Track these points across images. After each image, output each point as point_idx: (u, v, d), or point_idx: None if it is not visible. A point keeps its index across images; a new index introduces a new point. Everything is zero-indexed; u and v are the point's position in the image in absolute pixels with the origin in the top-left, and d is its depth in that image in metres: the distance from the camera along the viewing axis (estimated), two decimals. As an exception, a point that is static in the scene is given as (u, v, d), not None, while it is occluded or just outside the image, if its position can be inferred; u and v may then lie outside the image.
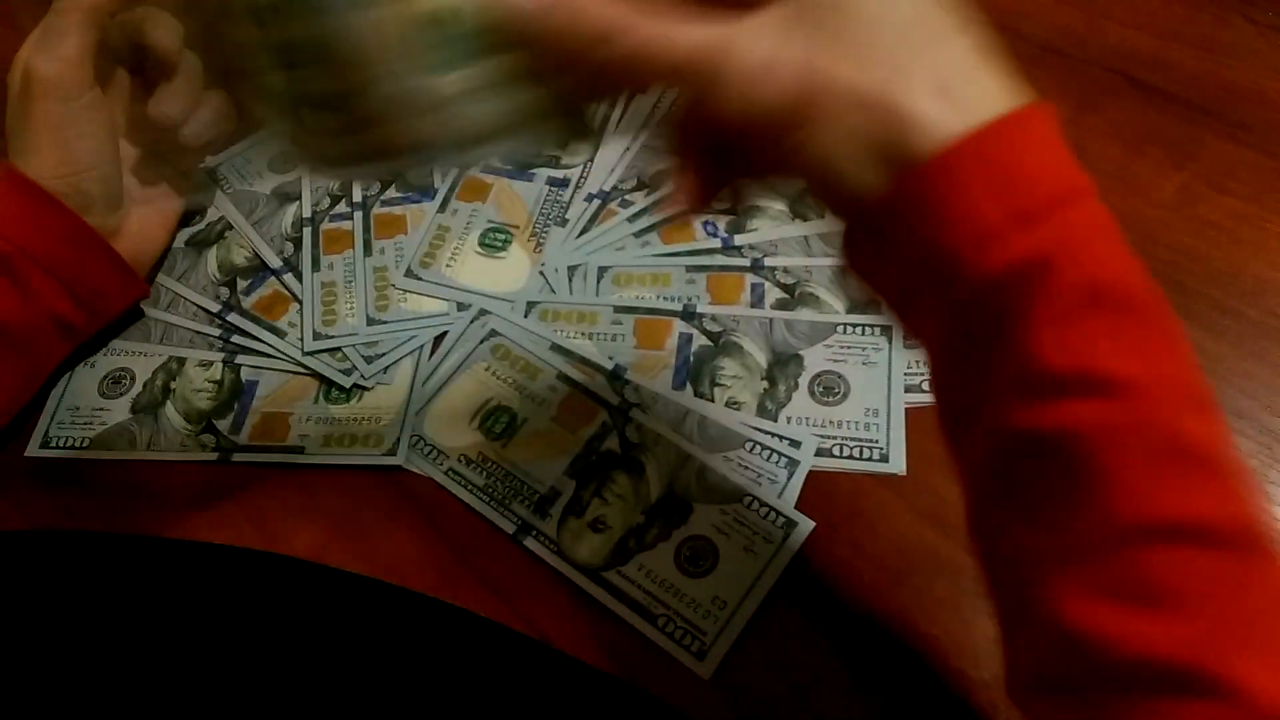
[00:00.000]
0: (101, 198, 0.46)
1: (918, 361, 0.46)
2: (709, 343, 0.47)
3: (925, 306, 0.27)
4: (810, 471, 0.43)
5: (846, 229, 0.28)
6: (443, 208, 0.54)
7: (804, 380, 0.46)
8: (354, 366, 0.48)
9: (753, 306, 0.48)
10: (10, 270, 0.43)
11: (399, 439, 0.45)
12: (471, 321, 0.49)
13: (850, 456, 0.43)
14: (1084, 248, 0.25)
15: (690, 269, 0.50)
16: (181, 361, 0.49)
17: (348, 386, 0.47)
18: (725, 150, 0.29)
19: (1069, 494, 0.25)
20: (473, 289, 0.50)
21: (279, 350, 0.49)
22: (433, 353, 0.48)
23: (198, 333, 0.50)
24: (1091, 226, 0.25)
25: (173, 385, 0.48)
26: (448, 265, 0.51)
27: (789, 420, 0.44)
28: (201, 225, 0.54)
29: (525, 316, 0.49)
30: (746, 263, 0.50)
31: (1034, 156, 0.25)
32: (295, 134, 0.28)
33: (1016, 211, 0.24)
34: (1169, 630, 0.23)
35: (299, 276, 0.51)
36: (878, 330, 0.47)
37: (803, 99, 0.26)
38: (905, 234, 0.26)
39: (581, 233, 0.52)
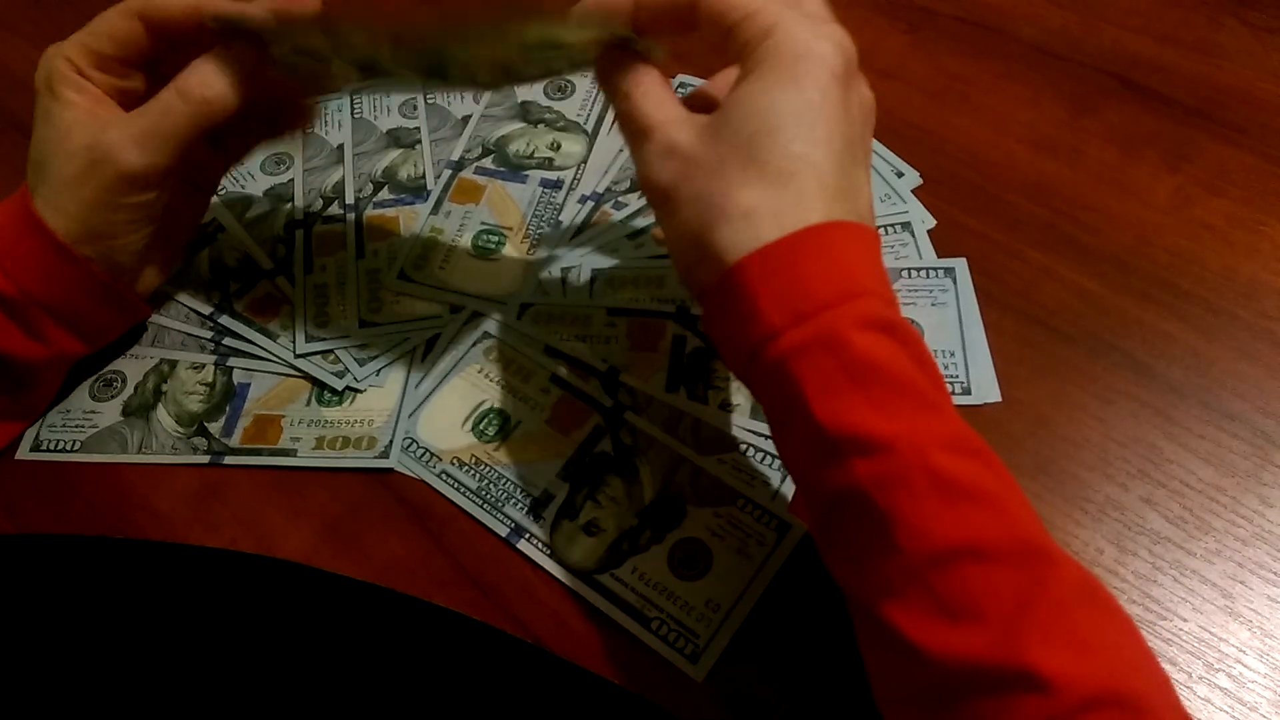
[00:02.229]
0: (128, 266, 0.44)
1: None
2: (703, 345, 0.47)
3: (751, 383, 0.34)
4: (804, 474, 0.43)
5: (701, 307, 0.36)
6: (436, 210, 0.53)
7: (798, 382, 0.45)
8: (346, 369, 0.48)
9: (747, 308, 0.48)
10: (20, 316, 0.42)
11: (391, 441, 0.45)
12: (464, 324, 0.49)
13: (844, 459, 0.43)
14: (841, 337, 0.31)
15: (684, 271, 0.50)
16: (173, 364, 0.49)
17: (340, 389, 0.47)
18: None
19: (869, 539, 0.30)
20: (466, 291, 0.50)
21: (271, 352, 0.49)
22: (425, 355, 0.48)
23: (189, 335, 0.50)
24: (851, 321, 0.31)
25: (164, 388, 0.48)
26: (440, 267, 0.51)
27: (783, 423, 0.44)
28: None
29: (518, 319, 0.49)
30: (740, 265, 0.50)
31: (810, 267, 0.32)
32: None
33: (790, 312, 0.31)
34: (974, 636, 0.28)
35: (291, 278, 0.51)
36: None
37: (671, 187, 0.35)
38: (719, 323, 0.34)
39: (575, 235, 0.52)
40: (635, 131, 0.36)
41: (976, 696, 0.28)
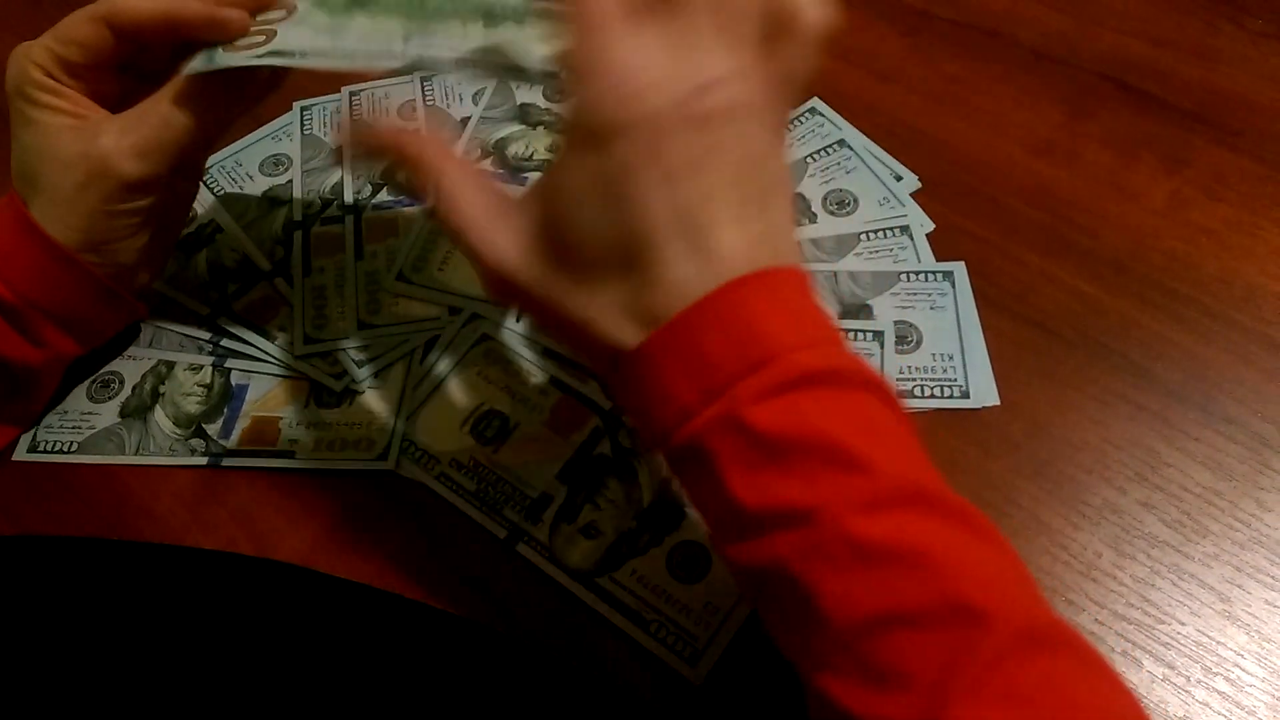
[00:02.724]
0: (130, 266, 0.44)
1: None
2: (702, 347, 0.47)
3: (670, 463, 0.32)
4: (803, 477, 0.43)
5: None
6: (435, 211, 0.53)
7: (797, 385, 0.45)
8: (345, 370, 0.48)
9: (745, 311, 0.48)
10: (19, 321, 0.42)
11: (390, 443, 0.45)
12: (463, 325, 0.49)
13: (843, 462, 0.43)
14: (745, 417, 0.28)
15: (683, 273, 0.50)
16: (171, 365, 0.49)
17: (339, 390, 0.47)
18: None
19: (799, 612, 0.29)
20: (465, 293, 0.50)
21: (269, 354, 0.49)
22: (424, 357, 0.48)
23: (187, 336, 0.50)
24: (753, 395, 0.29)
25: (162, 389, 0.48)
26: (439, 269, 0.51)
27: (781, 425, 0.44)
28: (191, 228, 0.54)
29: (518, 321, 0.49)
30: (739, 267, 0.50)
31: (711, 341, 0.29)
32: None
33: (700, 390, 0.29)
34: (902, 702, 0.26)
35: (290, 280, 0.51)
36: (869, 335, 0.47)
37: (530, 313, 0.34)
38: (628, 402, 0.32)
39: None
40: (465, 239, 0.33)
41: None
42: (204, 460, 0.46)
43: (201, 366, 0.49)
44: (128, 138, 0.40)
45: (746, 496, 0.29)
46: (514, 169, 0.55)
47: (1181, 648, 0.38)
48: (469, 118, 0.58)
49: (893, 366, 0.46)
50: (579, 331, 0.31)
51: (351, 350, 0.48)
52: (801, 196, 0.53)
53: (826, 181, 0.53)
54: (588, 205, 0.30)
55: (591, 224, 0.30)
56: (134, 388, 0.48)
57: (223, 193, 0.56)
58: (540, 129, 0.57)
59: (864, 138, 0.55)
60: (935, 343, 0.46)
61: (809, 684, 0.29)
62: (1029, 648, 0.27)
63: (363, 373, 0.47)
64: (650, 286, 0.30)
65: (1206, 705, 0.37)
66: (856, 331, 0.47)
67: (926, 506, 0.29)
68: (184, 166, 0.44)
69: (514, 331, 0.48)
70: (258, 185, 0.56)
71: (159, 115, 0.41)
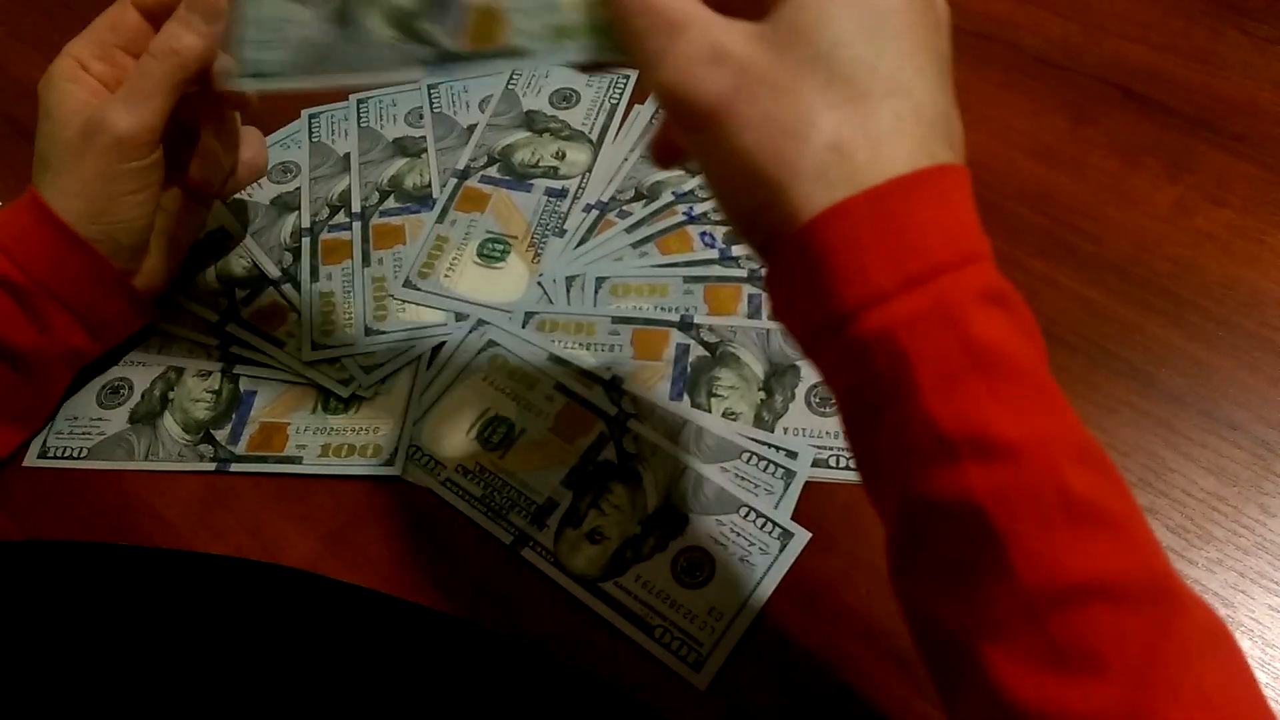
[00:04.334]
0: (131, 247, 0.45)
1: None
2: (706, 353, 0.47)
3: (827, 357, 0.28)
4: (807, 482, 0.43)
5: (763, 259, 0.29)
6: (441, 218, 0.54)
7: (800, 391, 0.46)
8: (352, 377, 0.48)
9: (750, 317, 0.48)
10: (29, 304, 0.43)
11: (396, 449, 0.45)
12: (469, 332, 0.49)
13: (847, 467, 0.43)
14: (964, 312, 0.25)
15: (688, 280, 0.50)
16: (180, 371, 0.49)
17: (346, 397, 0.47)
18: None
19: (976, 563, 0.25)
20: (471, 299, 0.50)
21: (277, 360, 0.49)
22: (431, 363, 0.48)
23: (196, 343, 0.50)
24: (973, 291, 0.26)
25: (171, 395, 0.48)
26: (446, 276, 0.51)
27: (785, 431, 0.44)
28: (200, 235, 0.54)
29: (523, 327, 0.49)
30: (744, 274, 0.50)
31: (924, 219, 0.26)
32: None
33: (901, 273, 0.25)
34: (1094, 692, 0.23)
35: (297, 287, 0.52)
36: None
37: (721, 102, 0.27)
38: (796, 280, 0.27)
39: (580, 243, 0.52)
40: (659, 26, 0.28)
41: None
42: (212, 466, 0.46)
43: (210, 373, 0.49)
44: (118, 94, 0.43)
45: (943, 412, 0.25)
46: (520, 175, 0.55)
47: (1185, 653, 0.38)
48: (475, 125, 0.58)
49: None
50: (776, 162, 0.26)
51: (359, 356, 0.49)
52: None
53: (830, 188, 0.54)
54: (874, 31, 0.27)
55: (875, 53, 0.27)
56: (143, 394, 0.49)
57: (232, 200, 0.56)
58: (546, 135, 0.57)
59: (868, 144, 0.55)
60: (939, 348, 0.46)
61: (963, 649, 0.25)
62: (1215, 644, 0.25)
63: (369, 379, 0.48)
64: (868, 138, 0.26)
65: (1210, 711, 0.37)
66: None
67: (1114, 473, 0.26)
68: (181, 174, 0.46)
69: (520, 338, 0.49)
70: (266, 193, 0.56)
71: (138, 66, 0.43)
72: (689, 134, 0.28)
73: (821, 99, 0.26)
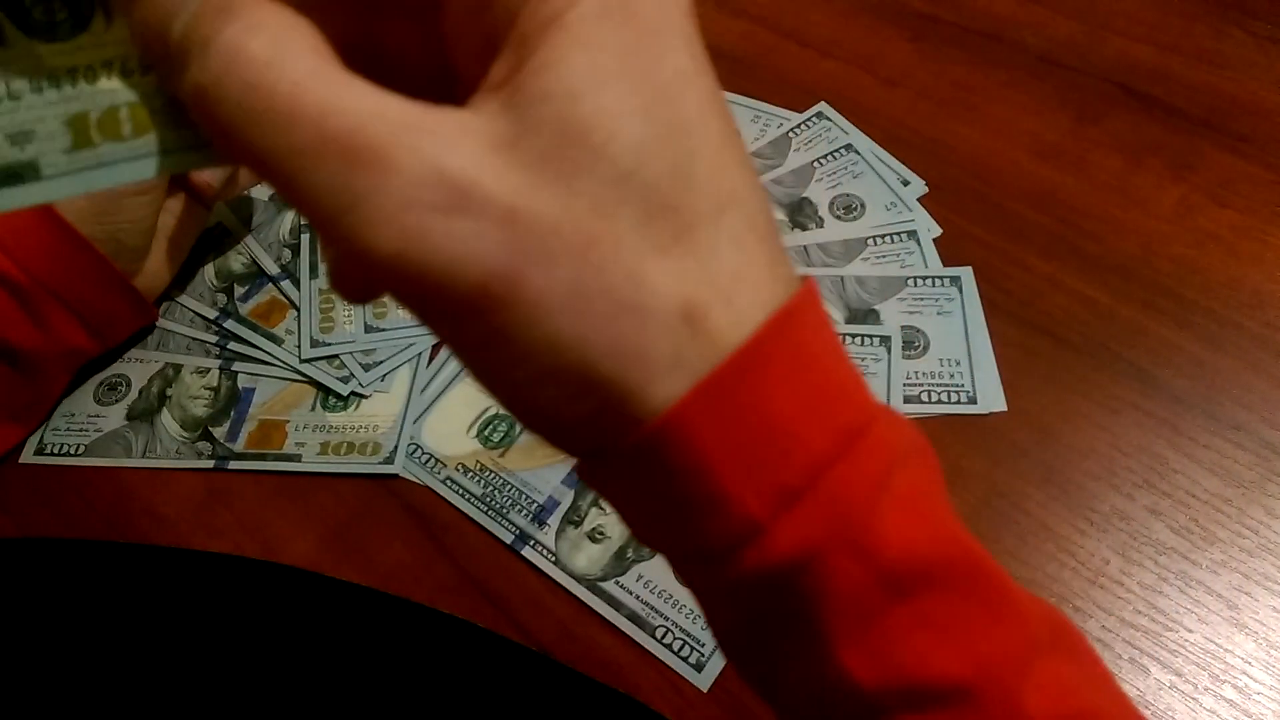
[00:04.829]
0: (134, 247, 0.45)
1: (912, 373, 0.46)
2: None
3: (701, 590, 0.21)
4: (809, 482, 0.43)
5: (586, 464, 0.20)
6: (441, 215, 0.53)
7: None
8: (351, 374, 0.48)
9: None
10: (29, 302, 0.43)
11: (396, 447, 0.45)
12: (470, 329, 0.49)
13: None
14: (864, 521, 0.19)
15: (689, 278, 0.50)
16: (178, 368, 0.49)
17: (345, 394, 0.47)
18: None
19: None
20: (471, 297, 0.50)
21: (276, 357, 0.49)
22: (430, 360, 0.48)
23: (195, 339, 0.50)
24: (869, 481, 0.19)
25: (169, 392, 0.48)
26: (446, 273, 0.51)
27: (788, 430, 0.44)
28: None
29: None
30: (746, 272, 0.50)
31: (786, 397, 0.18)
32: None
33: (772, 491, 0.18)
34: None
35: (297, 283, 0.51)
36: (876, 341, 0.47)
37: (497, 276, 0.17)
38: (651, 497, 0.19)
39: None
40: (338, 154, 0.16)
41: None
42: (211, 463, 0.46)
43: (209, 370, 0.49)
44: None
45: (866, 666, 0.19)
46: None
47: (1189, 655, 0.38)
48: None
49: (899, 372, 0.46)
50: (603, 352, 0.17)
51: (358, 354, 0.48)
52: (809, 201, 0.53)
53: (833, 186, 0.53)
54: (634, 108, 0.17)
55: (649, 146, 0.17)
56: (141, 390, 0.48)
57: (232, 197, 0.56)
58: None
59: (871, 142, 0.55)
60: (942, 348, 0.46)
61: None
62: None
63: (369, 376, 0.47)
64: (719, 290, 0.18)
65: (1214, 713, 0.37)
66: (863, 337, 0.47)
67: (1064, 636, 0.22)
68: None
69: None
70: (265, 189, 0.56)
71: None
72: (437, 323, 0.18)
73: (645, 244, 0.17)
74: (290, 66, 0.16)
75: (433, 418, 0.46)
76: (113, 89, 0.19)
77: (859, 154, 0.55)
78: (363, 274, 0.19)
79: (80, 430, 0.47)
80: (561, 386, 0.18)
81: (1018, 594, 0.21)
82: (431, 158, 0.16)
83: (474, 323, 0.17)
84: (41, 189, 0.19)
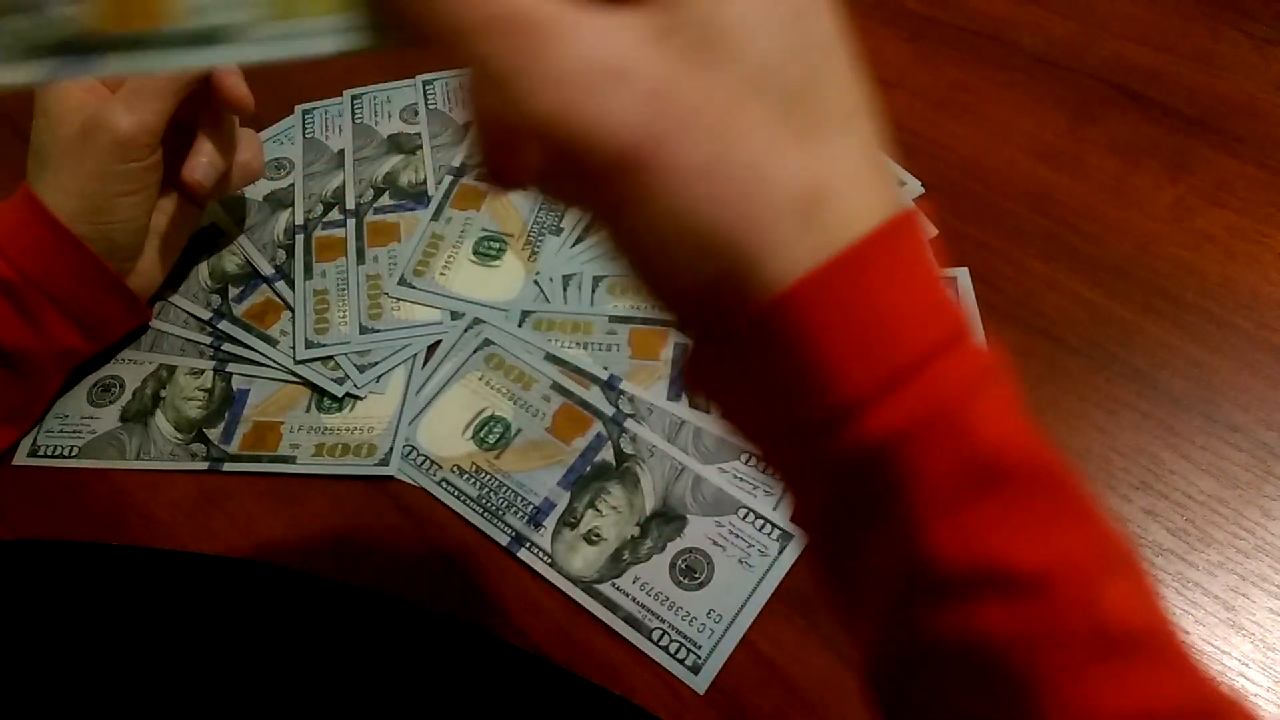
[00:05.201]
0: (126, 246, 0.45)
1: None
2: (704, 353, 0.47)
3: (794, 470, 0.23)
4: (806, 484, 0.42)
5: (699, 342, 0.22)
6: (437, 216, 0.53)
7: (800, 391, 0.45)
8: (346, 375, 0.47)
9: (748, 317, 0.48)
10: (21, 302, 0.42)
11: (391, 449, 0.45)
12: (465, 330, 0.49)
13: (846, 469, 0.43)
14: (963, 411, 0.20)
15: (686, 279, 0.50)
16: (172, 369, 0.49)
17: (340, 395, 0.47)
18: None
19: (996, 713, 0.21)
20: (466, 298, 0.50)
21: (270, 359, 0.48)
22: (426, 362, 0.48)
23: (188, 341, 0.50)
24: (969, 379, 0.21)
25: (163, 393, 0.48)
26: (441, 274, 0.51)
27: (784, 432, 0.44)
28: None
29: (519, 326, 0.49)
30: (742, 273, 0.50)
31: (897, 294, 0.20)
32: None
33: (880, 372, 0.20)
34: None
35: (291, 284, 0.51)
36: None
37: (641, 144, 0.19)
38: (759, 371, 0.21)
39: (576, 241, 0.52)
40: (510, 29, 0.19)
41: None
42: (205, 465, 0.45)
43: (203, 371, 0.48)
44: (120, 94, 0.43)
45: (951, 545, 0.20)
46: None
47: (1186, 657, 0.38)
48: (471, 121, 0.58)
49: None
50: (731, 221, 0.20)
51: (353, 355, 0.48)
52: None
53: (829, 187, 0.53)
54: (774, 20, 0.20)
55: (822, 60, 0.21)
56: (135, 392, 0.48)
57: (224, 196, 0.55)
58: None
59: (867, 143, 0.55)
60: (939, 349, 0.46)
61: None
62: None
63: (364, 378, 0.47)
64: (844, 183, 0.20)
65: (1211, 715, 0.37)
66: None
67: (1134, 558, 0.22)
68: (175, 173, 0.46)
69: (516, 337, 0.48)
70: (259, 189, 0.56)
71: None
72: (580, 186, 0.21)
73: (777, 134, 0.20)
74: None
75: (428, 419, 0.46)
76: None
77: (855, 154, 0.54)
78: (513, 147, 0.21)
79: (74, 432, 0.47)
80: (688, 251, 0.20)
81: (1100, 508, 0.22)
82: (591, 37, 0.19)
83: (615, 185, 0.19)
84: (237, 51, 0.21)
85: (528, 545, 0.42)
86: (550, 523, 0.42)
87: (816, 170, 0.20)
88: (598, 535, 0.42)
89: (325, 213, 0.54)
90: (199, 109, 0.47)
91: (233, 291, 0.51)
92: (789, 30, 0.20)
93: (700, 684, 0.38)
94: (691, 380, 0.24)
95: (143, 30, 0.21)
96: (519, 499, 0.43)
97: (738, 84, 0.19)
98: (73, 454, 0.46)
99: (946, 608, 0.21)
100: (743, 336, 0.21)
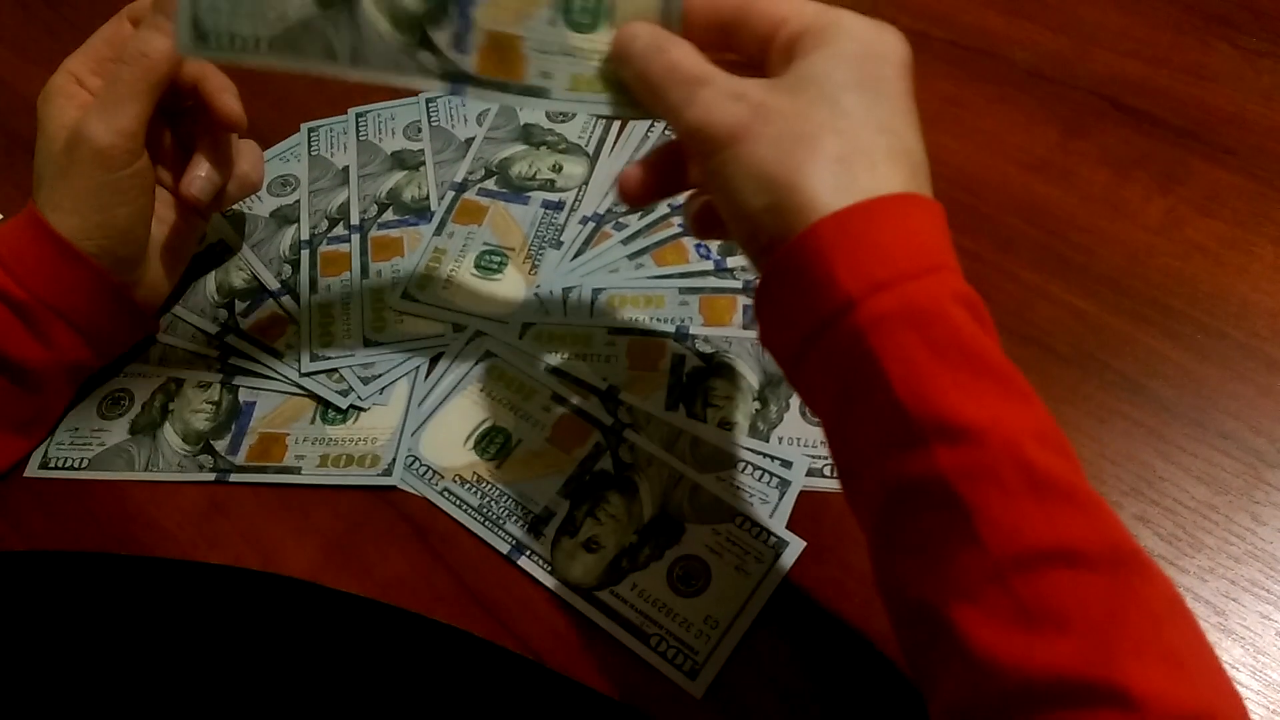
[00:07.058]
0: (129, 259, 0.46)
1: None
2: (702, 364, 0.48)
3: (810, 368, 0.31)
4: (802, 492, 0.43)
5: (758, 277, 0.33)
6: (439, 230, 0.54)
7: (795, 401, 0.46)
8: (350, 387, 0.48)
9: (745, 328, 0.49)
10: (30, 320, 0.43)
11: (394, 459, 0.46)
12: (467, 343, 0.49)
13: (841, 477, 0.43)
14: (930, 314, 0.29)
15: (683, 291, 0.51)
16: (180, 382, 0.50)
17: (344, 407, 0.48)
18: (675, 160, 0.38)
19: (947, 534, 0.28)
20: (468, 310, 0.51)
21: (276, 371, 0.49)
22: (428, 374, 0.49)
23: (196, 354, 0.51)
24: (937, 296, 0.29)
25: (171, 406, 0.49)
26: (444, 287, 0.52)
27: (780, 441, 0.45)
28: (200, 247, 0.55)
29: (520, 338, 0.49)
30: (739, 285, 0.51)
31: (897, 236, 0.30)
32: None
33: (872, 279, 0.29)
34: (1059, 647, 0.25)
35: (297, 298, 0.52)
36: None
37: (740, 125, 0.31)
38: (785, 289, 0.31)
39: (576, 255, 0.53)
40: (684, 80, 0.33)
41: (1053, 711, 0.25)
42: (212, 476, 0.46)
43: (210, 384, 0.49)
44: (93, 105, 0.43)
45: (911, 401, 0.28)
46: (517, 189, 0.56)
47: (1177, 661, 0.38)
48: (473, 138, 0.59)
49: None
50: (788, 168, 0.30)
51: (357, 367, 0.49)
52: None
53: (825, 200, 0.54)
54: (873, 86, 0.32)
55: (872, 102, 0.32)
56: (144, 405, 0.49)
57: (231, 213, 0.56)
58: (543, 149, 0.58)
59: (862, 157, 0.56)
60: (932, 359, 0.47)
61: (938, 616, 0.27)
62: (1175, 609, 0.27)
63: (368, 390, 0.48)
64: (870, 160, 0.31)
65: (1202, 718, 0.37)
66: (854, 348, 0.47)
67: (1076, 460, 0.29)
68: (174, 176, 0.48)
69: (517, 349, 0.49)
70: (266, 205, 0.57)
71: (110, 74, 0.44)
72: (707, 158, 0.33)
73: (829, 124, 0.31)
74: (676, 53, 0.34)
75: (430, 430, 0.47)
76: (595, 65, 0.36)
77: (850, 168, 0.55)
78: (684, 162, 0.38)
79: (84, 444, 0.48)
80: (758, 188, 0.31)
81: (1037, 403, 0.29)
82: (728, 81, 0.33)
83: (724, 151, 0.32)
84: (544, 103, 0.37)
85: (528, 553, 0.43)
86: (550, 531, 0.43)
87: (848, 148, 0.30)
88: (597, 543, 0.43)
89: (330, 228, 0.55)
90: (196, 125, 0.48)
91: (239, 306, 0.52)
92: (859, 80, 0.32)
93: (697, 689, 0.39)
94: (757, 304, 0.33)
95: (505, 78, 0.37)
96: (519, 508, 0.44)
97: (809, 101, 0.31)
98: (83, 466, 0.47)
99: (910, 452, 0.28)
100: (784, 258, 0.31)
